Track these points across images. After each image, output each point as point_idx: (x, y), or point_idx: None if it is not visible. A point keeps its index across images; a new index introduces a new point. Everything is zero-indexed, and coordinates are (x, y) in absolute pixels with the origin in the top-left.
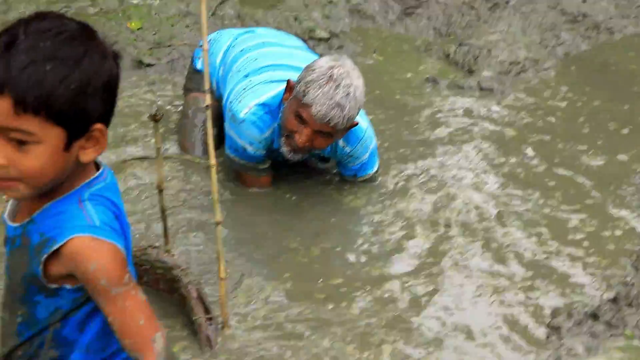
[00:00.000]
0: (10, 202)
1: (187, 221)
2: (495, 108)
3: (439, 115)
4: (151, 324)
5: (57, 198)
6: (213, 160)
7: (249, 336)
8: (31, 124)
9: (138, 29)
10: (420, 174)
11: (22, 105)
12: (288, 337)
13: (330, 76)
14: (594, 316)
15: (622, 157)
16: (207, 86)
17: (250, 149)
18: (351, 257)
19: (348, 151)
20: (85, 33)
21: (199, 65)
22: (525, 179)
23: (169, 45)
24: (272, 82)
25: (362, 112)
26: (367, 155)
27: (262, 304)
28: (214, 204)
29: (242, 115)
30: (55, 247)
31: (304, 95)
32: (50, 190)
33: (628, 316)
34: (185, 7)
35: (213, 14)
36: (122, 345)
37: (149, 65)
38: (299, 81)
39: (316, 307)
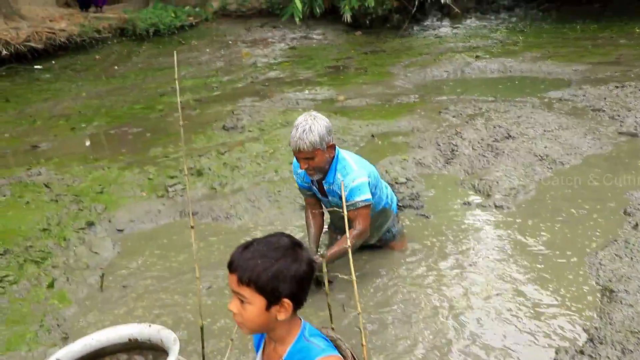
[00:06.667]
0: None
1: None
2: (502, 218)
3: (472, 222)
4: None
5: (292, 343)
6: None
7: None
8: (245, 292)
9: None
10: (466, 247)
11: (240, 280)
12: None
13: (295, 125)
14: (582, 352)
15: (579, 230)
16: None
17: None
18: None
19: (341, 180)
20: (290, 245)
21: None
22: (522, 250)
23: None
24: None
25: (364, 168)
26: (350, 186)
27: None
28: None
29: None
30: None
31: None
32: (282, 341)
33: (601, 350)
34: None
35: None
36: None
37: None
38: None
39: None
